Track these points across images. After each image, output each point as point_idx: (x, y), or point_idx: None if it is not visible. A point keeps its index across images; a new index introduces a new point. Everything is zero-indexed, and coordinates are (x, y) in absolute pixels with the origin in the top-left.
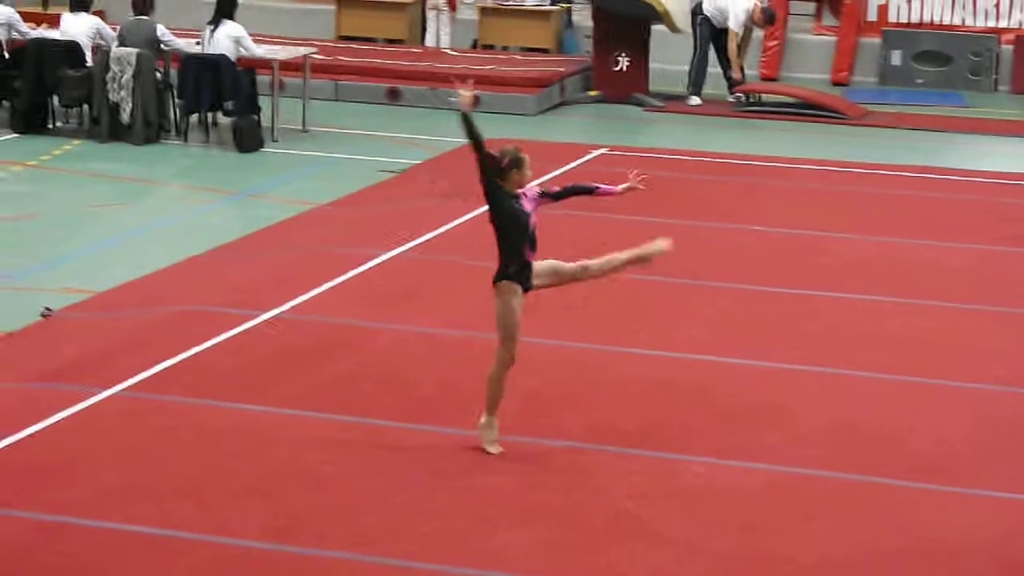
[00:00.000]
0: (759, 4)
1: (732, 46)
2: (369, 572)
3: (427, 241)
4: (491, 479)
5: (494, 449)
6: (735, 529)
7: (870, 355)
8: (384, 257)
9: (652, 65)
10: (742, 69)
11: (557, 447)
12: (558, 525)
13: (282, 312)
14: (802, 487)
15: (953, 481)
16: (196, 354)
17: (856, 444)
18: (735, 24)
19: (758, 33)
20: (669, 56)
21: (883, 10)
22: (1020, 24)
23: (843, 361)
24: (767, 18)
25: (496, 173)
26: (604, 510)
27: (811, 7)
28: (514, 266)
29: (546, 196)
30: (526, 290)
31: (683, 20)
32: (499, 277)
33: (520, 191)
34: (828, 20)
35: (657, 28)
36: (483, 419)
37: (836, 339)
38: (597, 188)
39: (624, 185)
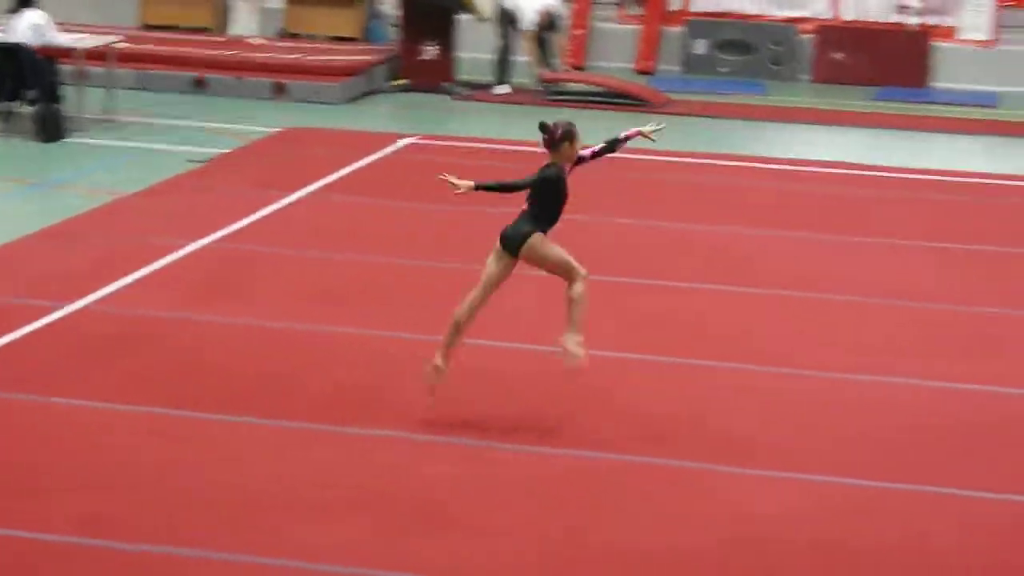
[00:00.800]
0: (548, 9)
1: (528, 46)
2: (178, 565)
3: (237, 231)
4: (299, 469)
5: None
6: (551, 516)
7: (683, 341)
8: (193, 247)
9: (462, 53)
10: (552, 67)
11: (367, 436)
12: (365, 514)
13: (88, 304)
14: (611, 473)
15: (761, 465)
16: None
17: (662, 429)
18: (524, 25)
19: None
20: (479, 44)
21: (687, 0)
22: (819, 14)
23: (657, 347)
24: (550, 24)
25: (552, 145)
26: (411, 499)
27: None
28: (545, 225)
29: (582, 160)
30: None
31: (488, 7)
32: (531, 232)
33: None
34: (633, 9)
35: (466, 16)
36: (572, 336)
37: (650, 326)
38: (619, 137)
39: (643, 128)
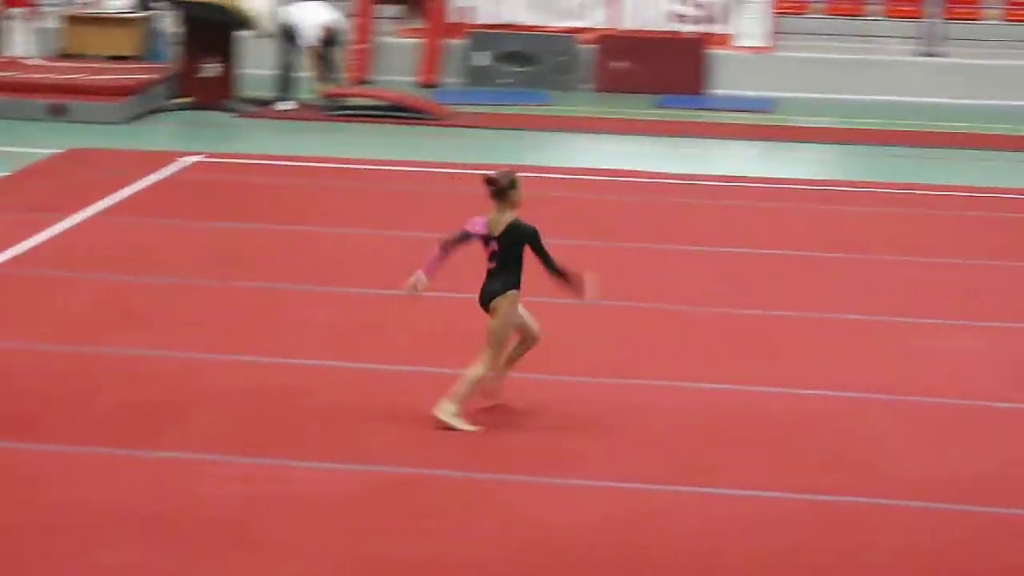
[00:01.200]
0: (329, 24)
1: (310, 62)
2: None
3: (16, 255)
4: (91, 492)
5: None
6: (350, 533)
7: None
8: None
9: (245, 70)
10: (335, 82)
11: (157, 458)
12: (160, 536)
13: None
14: (414, 486)
15: (554, 472)
16: None
17: (462, 441)
18: (306, 41)
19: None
20: (262, 61)
21: (467, 13)
22: (599, 24)
23: (444, 359)
24: (331, 39)
25: (500, 194)
26: (206, 519)
27: (398, 10)
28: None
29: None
30: None
31: (270, 23)
32: (508, 289)
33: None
34: (415, 23)
35: (247, 33)
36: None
37: (438, 337)
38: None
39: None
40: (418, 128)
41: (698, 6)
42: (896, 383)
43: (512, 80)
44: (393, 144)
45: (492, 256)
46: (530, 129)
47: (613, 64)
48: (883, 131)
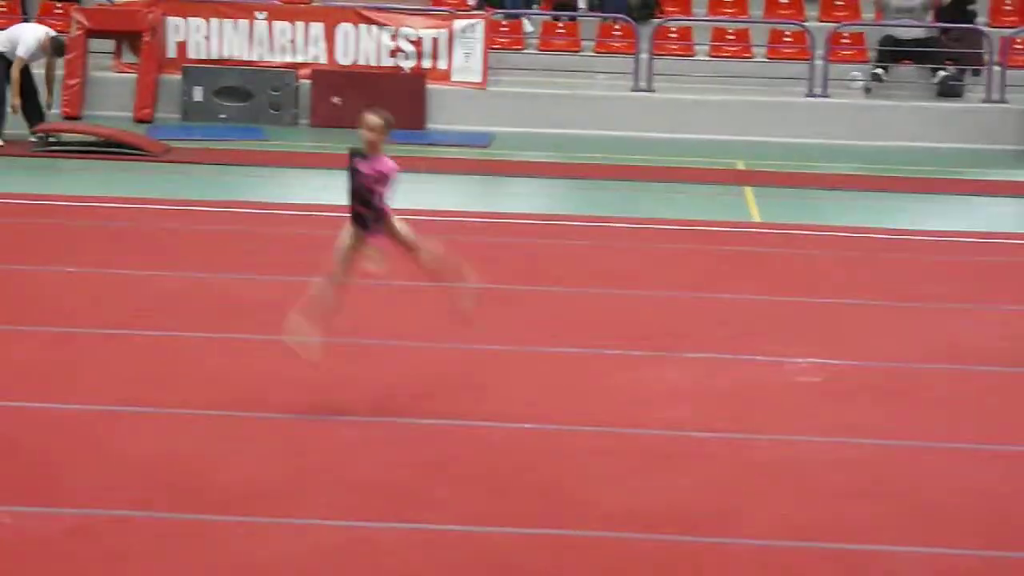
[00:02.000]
0: (49, 33)
1: (15, 74)
2: None
3: None
4: None
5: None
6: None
7: (183, 391)
8: None
9: None
10: (40, 106)
11: None
12: None
13: None
14: (116, 530)
15: (268, 512)
16: None
17: (170, 480)
18: (24, 51)
19: (60, 71)
20: None
21: (183, 47)
22: (316, 59)
23: (158, 399)
24: (56, 47)
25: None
26: None
27: (110, 44)
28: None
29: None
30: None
31: None
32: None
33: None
34: (129, 57)
35: None
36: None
37: (152, 377)
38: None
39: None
40: (133, 164)
41: (415, 42)
42: (602, 415)
43: (228, 115)
44: (107, 181)
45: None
46: (247, 164)
47: (331, 99)
48: (597, 165)
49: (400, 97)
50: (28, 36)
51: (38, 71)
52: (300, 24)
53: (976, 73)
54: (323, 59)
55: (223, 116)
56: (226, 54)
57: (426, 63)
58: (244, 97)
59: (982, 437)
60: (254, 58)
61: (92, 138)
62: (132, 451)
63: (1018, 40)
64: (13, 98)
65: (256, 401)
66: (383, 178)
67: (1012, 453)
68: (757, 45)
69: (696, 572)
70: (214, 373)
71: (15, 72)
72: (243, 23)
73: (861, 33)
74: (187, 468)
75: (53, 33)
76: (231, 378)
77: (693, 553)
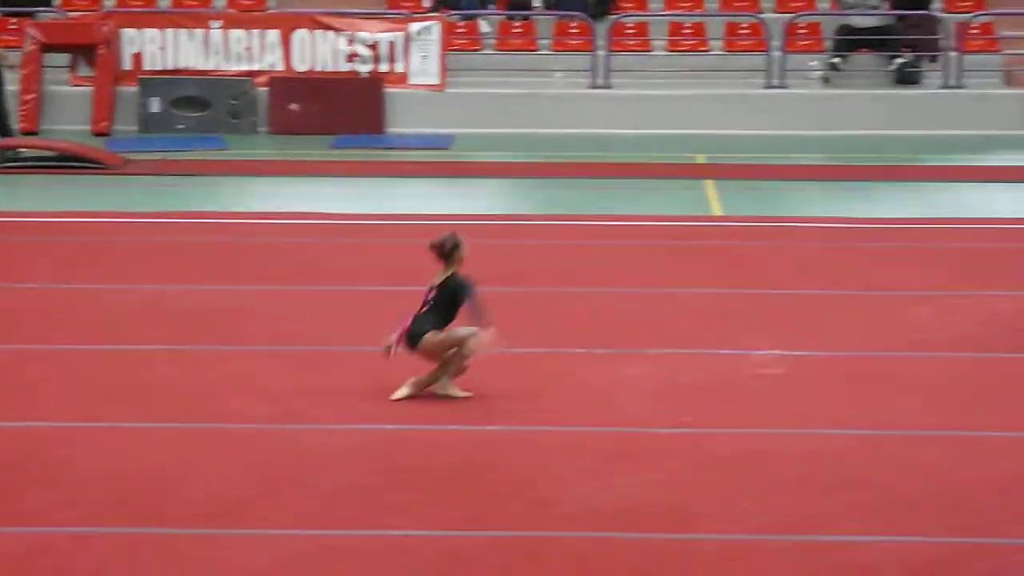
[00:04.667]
0: None
1: None
2: None
3: None
4: None
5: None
6: None
7: (144, 405)
8: None
9: None
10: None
11: None
12: None
13: None
14: (79, 547)
15: (232, 523)
16: None
17: (132, 495)
18: None
19: (14, 87)
20: None
21: (138, 58)
22: (272, 66)
23: (118, 413)
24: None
25: (447, 257)
26: None
27: (66, 58)
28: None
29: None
30: None
31: None
32: (433, 328)
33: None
34: (84, 70)
35: None
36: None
37: (112, 391)
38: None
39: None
40: (91, 178)
41: (371, 46)
42: (565, 414)
43: (186, 126)
44: (65, 196)
45: (426, 302)
46: (206, 174)
47: (289, 106)
48: (558, 164)
49: (358, 101)
50: None
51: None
52: (256, 32)
53: (933, 60)
54: (280, 66)
55: (181, 126)
56: (182, 64)
57: (383, 67)
58: (202, 107)
59: (948, 424)
60: (210, 67)
61: (50, 153)
62: (94, 467)
63: (974, 25)
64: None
65: (218, 412)
66: None
67: (979, 439)
68: (714, 38)
69: (660, 568)
70: (174, 385)
71: None
72: (198, 32)
73: (817, 23)
74: (150, 482)
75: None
76: (191, 390)
77: (657, 549)
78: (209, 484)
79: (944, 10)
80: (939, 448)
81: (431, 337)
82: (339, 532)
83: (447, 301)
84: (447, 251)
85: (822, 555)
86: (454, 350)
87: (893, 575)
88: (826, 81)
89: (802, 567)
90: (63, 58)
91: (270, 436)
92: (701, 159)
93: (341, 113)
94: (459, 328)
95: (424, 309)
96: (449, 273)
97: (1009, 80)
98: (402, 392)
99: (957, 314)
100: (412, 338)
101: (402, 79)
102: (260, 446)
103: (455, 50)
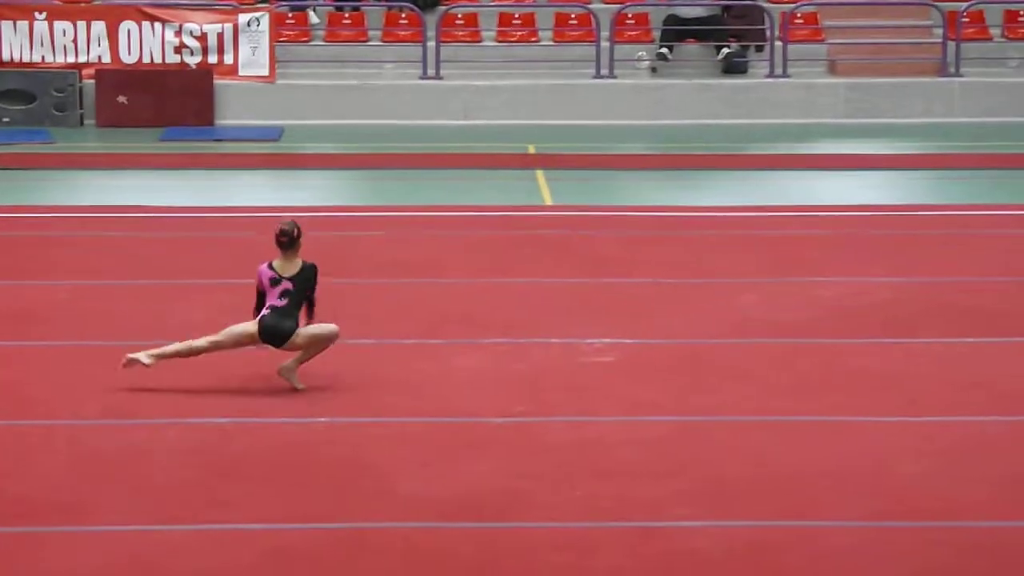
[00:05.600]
0: None
1: None
2: None
3: None
4: None
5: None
6: None
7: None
8: None
9: None
10: None
11: None
12: None
13: None
14: None
15: (61, 521)
16: None
17: None
18: None
19: None
20: None
21: None
22: (99, 58)
23: None
24: None
25: (292, 244)
26: None
27: None
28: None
29: None
30: None
31: None
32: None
33: None
34: None
35: None
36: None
37: None
38: None
39: None
40: None
41: (199, 37)
42: (400, 405)
43: (12, 119)
44: None
45: (283, 294)
46: (33, 168)
47: (117, 98)
48: (389, 155)
49: (187, 93)
50: None
51: None
52: (82, 23)
53: (759, 49)
54: (107, 58)
55: (7, 120)
56: (7, 57)
57: (212, 58)
58: (28, 100)
59: (773, 410)
60: (36, 60)
61: None
62: None
63: (798, 15)
64: None
65: (42, 409)
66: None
67: (803, 424)
68: (543, 29)
69: (495, 557)
70: None
71: None
72: (23, 24)
73: (645, 13)
74: None
75: None
76: (17, 386)
77: (491, 538)
78: (35, 482)
79: (769, 0)
80: (765, 434)
81: (304, 332)
82: (167, 527)
83: (301, 291)
84: (295, 236)
85: (652, 541)
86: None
87: (720, 560)
88: (654, 71)
89: (632, 552)
90: None
91: (97, 432)
92: (532, 149)
93: (170, 105)
94: (326, 324)
95: (284, 303)
96: (301, 262)
97: (833, 69)
98: (140, 355)
99: (782, 300)
100: (279, 334)
101: (232, 70)
102: (88, 443)
103: (284, 41)
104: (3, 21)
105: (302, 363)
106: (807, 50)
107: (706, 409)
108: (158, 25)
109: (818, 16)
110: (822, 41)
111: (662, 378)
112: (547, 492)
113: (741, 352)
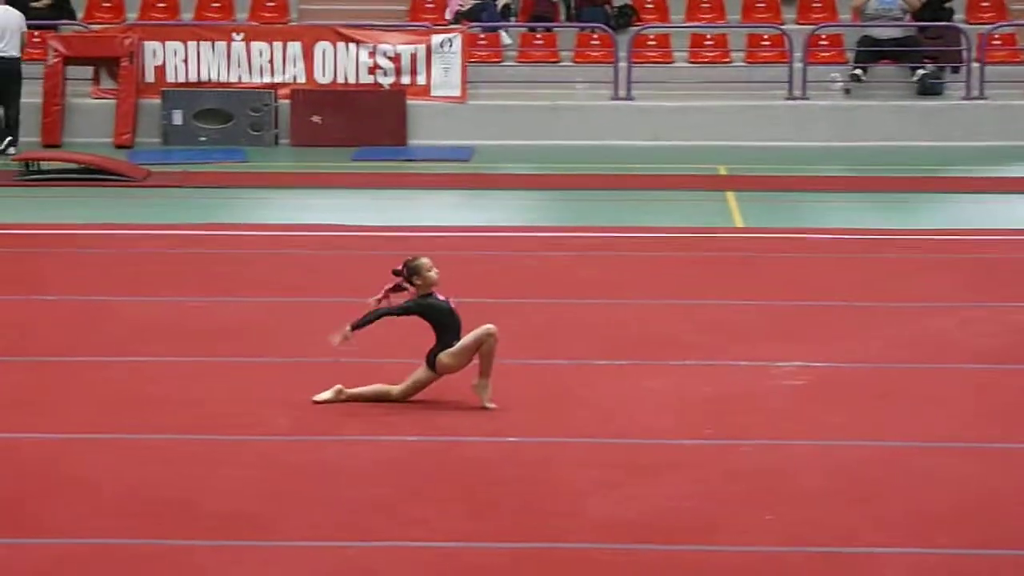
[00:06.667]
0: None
1: None
2: None
3: None
4: None
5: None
6: None
7: (161, 417)
8: None
9: None
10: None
11: None
12: None
13: None
14: (100, 558)
15: (253, 535)
16: None
17: (152, 509)
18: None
19: (36, 99)
20: None
21: (161, 71)
22: (294, 78)
23: (135, 426)
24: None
25: (409, 282)
26: None
27: (88, 71)
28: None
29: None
30: None
31: None
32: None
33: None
34: (107, 83)
35: None
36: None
37: (129, 404)
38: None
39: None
40: (114, 190)
41: (393, 58)
42: (586, 426)
43: (208, 138)
44: (88, 208)
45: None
46: (228, 187)
47: (311, 118)
48: (579, 175)
49: (380, 114)
50: (14, 26)
51: None
52: (278, 44)
53: (955, 70)
54: (302, 78)
55: (203, 139)
56: (204, 77)
57: (405, 79)
58: (224, 119)
59: (973, 437)
60: (233, 80)
61: (72, 165)
62: (112, 479)
63: (996, 36)
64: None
65: (236, 424)
66: None
67: (1004, 451)
68: (735, 50)
69: None
70: (195, 398)
71: None
72: (221, 45)
73: (839, 34)
74: (167, 494)
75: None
76: (212, 403)
77: (680, 562)
78: (229, 496)
79: (966, 21)
80: (964, 460)
81: (444, 357)
82: (360, 544)
83: (431, 323)
84: (407, 275)
85: (845, 568)
86: (477, 353)
87: None
88: (848, 92)
89: None
90: (86, 71)
91: (290, 448)
92: (723, 170)
93: (363, 125)
94: (467, 336)
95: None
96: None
97: None
98: (325, 395)
99: (980, 325)
100: (427, 362)
101: (424, 91)
102: (279, 458)
103: (476, 62)
104: (202, 42)
105: (484, 376)
106: (1005, 71)
107: (901, 434)
108: (352, 46)
109: (1016, 37)
110: (1020, 62)
111: (854, 402)
112: (737, 516)
113: (936, 377)
